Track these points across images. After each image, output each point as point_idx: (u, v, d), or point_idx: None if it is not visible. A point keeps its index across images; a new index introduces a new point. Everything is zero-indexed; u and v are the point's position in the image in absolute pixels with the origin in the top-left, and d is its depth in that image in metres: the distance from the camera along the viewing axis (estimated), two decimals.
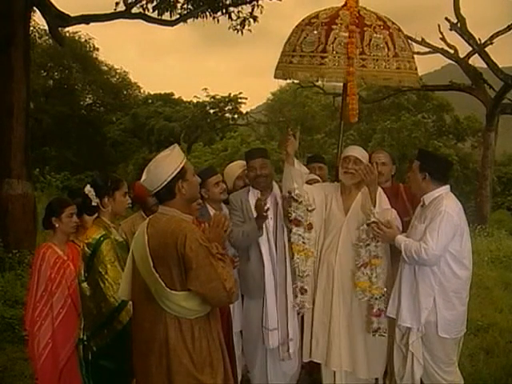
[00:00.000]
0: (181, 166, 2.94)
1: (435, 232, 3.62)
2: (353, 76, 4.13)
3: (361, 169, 3.98)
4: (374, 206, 3.94)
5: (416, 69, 4.41)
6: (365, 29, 4.18)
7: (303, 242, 4.08)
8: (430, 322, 3.76)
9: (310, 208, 4.09)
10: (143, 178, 2.95)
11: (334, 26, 4.18)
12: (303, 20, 4.43)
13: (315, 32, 4.22)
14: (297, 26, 4.42)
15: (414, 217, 3.91)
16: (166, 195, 2.94)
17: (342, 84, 4.35)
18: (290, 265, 4.15)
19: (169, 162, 2.93)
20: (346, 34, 4.13)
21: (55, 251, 3.86)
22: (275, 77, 4.51)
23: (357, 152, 4.19)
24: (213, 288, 2.81)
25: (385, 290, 3.95)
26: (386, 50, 4.19)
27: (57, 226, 3.88)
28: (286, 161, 4.11)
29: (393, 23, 4.38)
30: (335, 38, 4.14)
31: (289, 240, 4.15)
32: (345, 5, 4.33)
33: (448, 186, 3.83)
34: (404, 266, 3.83)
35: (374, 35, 4.18)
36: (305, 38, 4.25)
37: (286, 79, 4.55)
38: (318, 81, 4.91)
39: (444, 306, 3.74)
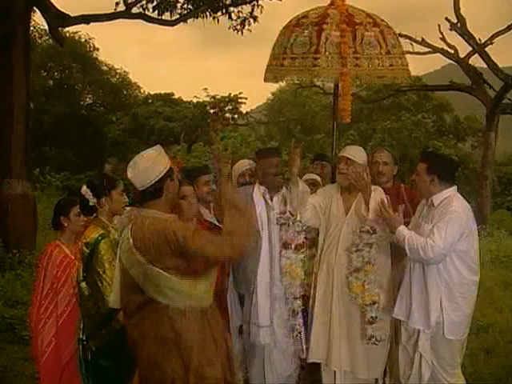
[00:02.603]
0: (169, 165, 3.03)
1: (443, 230, 3.60)
2: (347, 76, 4.09)
3: (350, 175, 3.98)
4: (368, 212, 3.95)
5: (407, 65, 4.39)
6: (356, 27, 4.14)
7: (290, 264, 4.13)
8: (436, 324, 3.74)
9: (297, 229, 4.15)
10: (131, 175, 2.97)
11: (325, 26, 4.12)
12: (290, 21, 4.36)
13: (305, 33, 4.17)
14: (285, 28, 4.36)
15: (421, 217, 3.87)
16: (153, 193, 2.98)
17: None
18: None
19: (160, 161, 3.00)
20: (338, 34, 4.09)
21: (62, 250, 3.90)
22: (265, 80, 4.47)
23: (349, 152, 4.17)
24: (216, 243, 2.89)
25: (376, 297, 3.95)
26: (379, 47, 4.16)
27: (65, 225, 3.93)
28: (291, 180, 4.13)
29: (381, 20, 4.33)
30: (327, 38, 4.09)
31: None
32: (332, 4, 4.29)
33: (455, 187, 3.81)
34: (414, 268, 3.81)
35: (366, 33, 4.14)
36: (295, 39, 4.19)
37: (277, 82, 4.53)
38: (317, 81, 4.91)
39: (450, 308, 3.72)
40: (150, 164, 2.96)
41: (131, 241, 2.94)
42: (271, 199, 4.29)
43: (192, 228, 2.99)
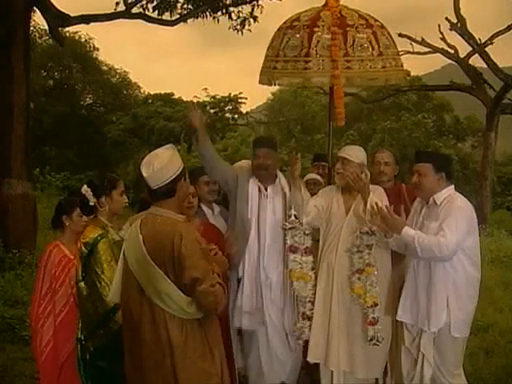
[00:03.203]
0: (182, 165, 3.00)
1: (453, 226, 3.59)
2: (338, 79, 4.08)
3: (348, 175, 3.98)
4: (365, 212, 3.94)
5: (402, 65, 4.36)
6: (347, 29, 4.12)
7: (301, 267, 4.12)
8: (444, 323, 3.72)
9: (307, 232, 4.14)
10: (146, 174, 2.94)
11: (316, 29, 4.11)
12: (284, 23, 4.36)
13: (297, 36, 4.17)
14: (278, 30, 4.35)
15: (421, 217, 3.85)
16: (166, 193, 2.95)
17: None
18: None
19: (174, 161, 2.97)
20: (329, 36, 4.08)
21: (61, 250, 3.90)
22: (260, 82, 4.48)
23: (346, 152, 4.17)
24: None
25: (378, 299, 3.94)
26: (371, 49, 4.14)
27: (67, 224, 3.93)
28: (292, 184, 4.14)
29: (375, 20, 4.30)
30: (318, 41, 4.08)
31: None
32: (325, 4, 4.26)
33: (453, 185, 3.83)
34: (418, 269, 3.78)
35: (358, 35, 4.12)
36: (287, 42, 4.20)
37: (271, 85, 4.52)
38: (310, 84, 4.88)
39: (456, 306, 3.71)
40: (165, 164, 2.92)
41: (141, 238, 2.92)
42: (265, 189, 4.27)
43: (198, 246, 2.90)
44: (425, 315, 3.75)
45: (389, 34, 4.35)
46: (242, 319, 4.20)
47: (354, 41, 4.11)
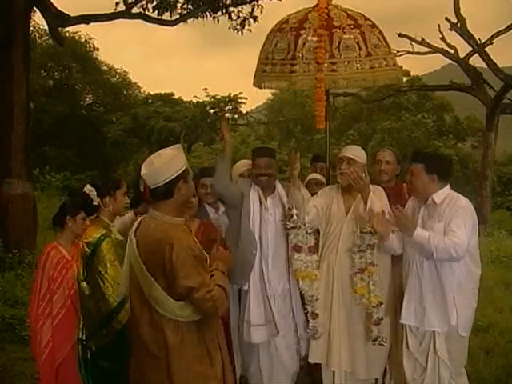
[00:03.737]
0: (184, 166, 2.93)
1: (462, 227, 3.61)
2: (322, 82, 4.03)
3: (349, 175, 3.97)
4: (365, 213, 3.94)
5: (394, 64, 4.29)
6: (333, 31, 4.07)
7: (306, 267, 4.08)
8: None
9: (309, 230, 4.12)
10: (144, 171, 2.90)
11: (303, 31, 4.09)
12: (275, 25, 4.33)
13: (285, 38, 4.16)
14: (270, 32, 4.34)
15: (420, 217, 3.83)
16: (164, 193, 2.89)
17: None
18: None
19: (175, 161, 2.91)
20: (315, 39, 4.04)
21: (59, 251, 3.87)
22: (253, 85, 4.48)
23: (350, 152, 4.17)
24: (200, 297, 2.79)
25: (382, 298, 3.93)
26: (358, 50, 4.09)
27: (69, 225, 3.90)
28: (292, 183, 4.12)
29: (366, 19, 4.23)
30: (304, 44, 4.06)
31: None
32: (316, 5, 4.21)
33: (449, 186, 3.82)
34: (423, 271, 3.76)
35: (344, 36, 4.08)
36: (275, 45, 4.20)
37: (261, 88, 4.51)
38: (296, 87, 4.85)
39: (463, 304, 3.72)
40: (164, 163, 2.87)
41: (134, 242, 2.90)
42: (265, 199, 4.26)
43: (191, 253, 2.81)
44: (433, 316, 3.72)
45: (380, 33, 4.26)
46: (252, 333, 4.14)
47: (339, 42, 4.07)
